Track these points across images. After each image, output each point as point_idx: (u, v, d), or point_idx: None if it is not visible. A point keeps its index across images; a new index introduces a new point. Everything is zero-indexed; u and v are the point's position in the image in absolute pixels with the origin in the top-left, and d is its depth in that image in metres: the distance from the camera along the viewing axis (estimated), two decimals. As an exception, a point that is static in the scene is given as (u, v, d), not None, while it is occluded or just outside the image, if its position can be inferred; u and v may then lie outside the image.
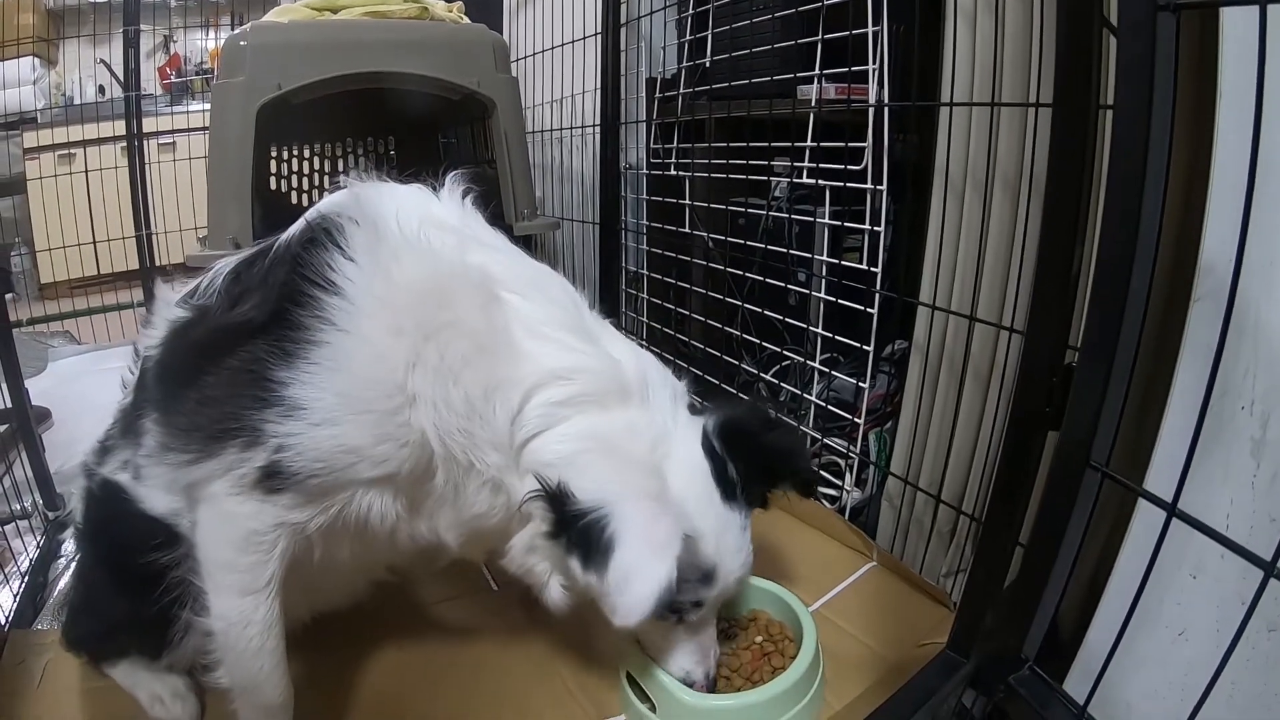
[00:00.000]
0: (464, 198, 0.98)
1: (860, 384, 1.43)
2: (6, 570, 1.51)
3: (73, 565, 1.51)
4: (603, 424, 0.88)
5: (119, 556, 0.99)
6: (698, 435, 0.95)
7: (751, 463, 0.97)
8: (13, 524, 1.71)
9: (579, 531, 0.81)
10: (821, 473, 1.56)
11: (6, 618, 1.34)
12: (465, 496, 0.90)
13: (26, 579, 1.51)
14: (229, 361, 0.83)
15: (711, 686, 1.00)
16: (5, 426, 1.80)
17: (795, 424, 1.68)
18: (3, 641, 1.20)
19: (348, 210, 0.87)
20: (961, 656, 0.98)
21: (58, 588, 1.52)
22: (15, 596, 1.42)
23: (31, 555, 1.61)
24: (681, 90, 1.84)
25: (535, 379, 0.86)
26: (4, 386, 1.74)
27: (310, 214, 0.92)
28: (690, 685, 0.99)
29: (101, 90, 4.13)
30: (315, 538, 0.87)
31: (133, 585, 0.95)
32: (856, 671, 1.11)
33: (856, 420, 1.46)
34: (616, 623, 0.79)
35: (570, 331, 0.91)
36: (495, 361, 0.85)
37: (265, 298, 0.84)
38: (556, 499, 0.82)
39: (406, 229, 0.87)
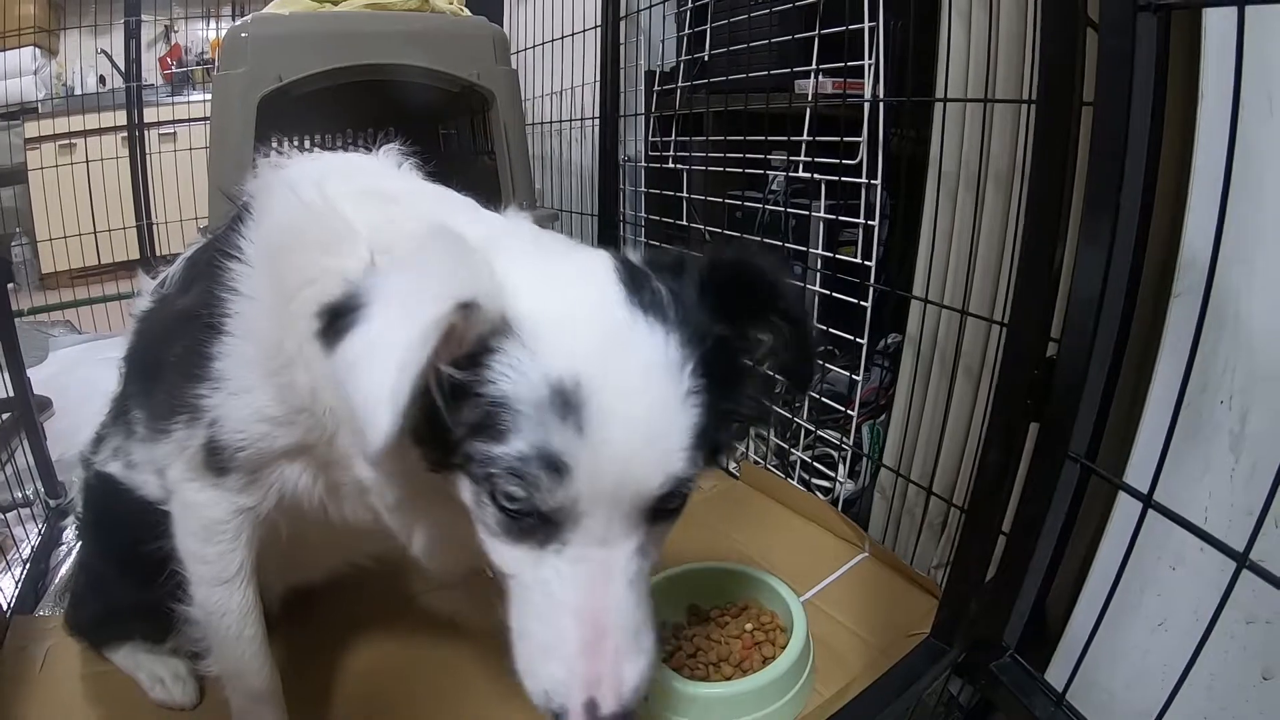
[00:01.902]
0: (398, 165, 0.87)
1: (854, 377, 1.44)
2: (9, 557, 1.53)
3: (74, 552, 1.53)
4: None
5: (121, 546, 1.00)
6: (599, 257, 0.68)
7: (714, 290, 0.66)
8: (14, 511, 1.72)
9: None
10: (814, 464, 1.58)
11: (9, 603, 1.35)
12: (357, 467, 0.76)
13: (28, 565, 1.52)
14: (177, 346, 0.83)
15: None
16: (7, 415, 1.81)
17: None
18: (5, 627, 1.21)
19: (262, 182, 0.84)
20: (945, 644, 0.99)
21: (59, 574, 1.54)
22: (17, 583, 1.44)
23: (33, 542, 1.63)
24: (680, 83, 1.85)
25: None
26: (6, 375, 1.75)
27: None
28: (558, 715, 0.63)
29: (102, 80, 4.14)
30: (278, 519, 0.86)
31: (137, 573, 0.96)
32: (846, 660, 1.13)
33: (850, 413, 1.47)
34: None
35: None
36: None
37: (199, 278, 0.85)
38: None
39: (293, 181, 0.79)
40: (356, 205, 0.74)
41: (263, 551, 0.88)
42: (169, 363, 0.84)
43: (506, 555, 0.64)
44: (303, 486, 0.82)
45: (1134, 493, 0.79)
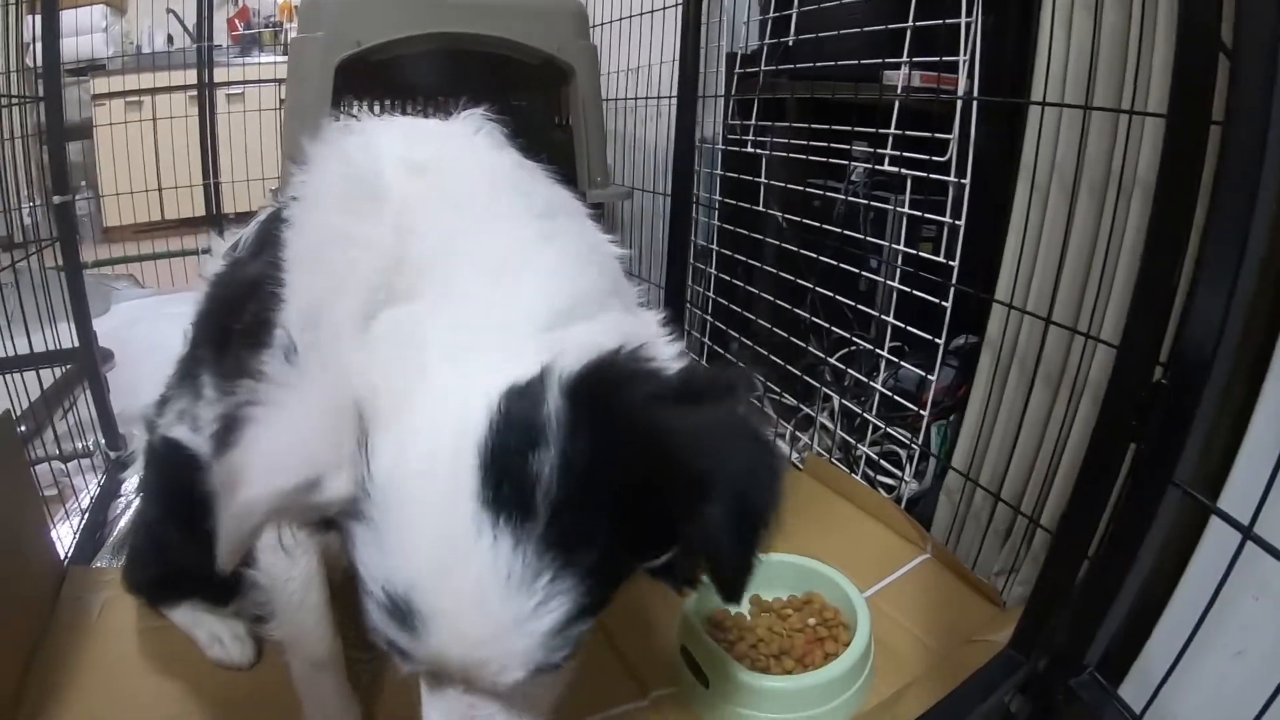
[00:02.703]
0: (478, 128, 0.80)
1: (928, 376, 1.42)
2: (67, 506, 1.56)
3: (132, 505, 1.54)
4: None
5: (186, 512, 0.98)
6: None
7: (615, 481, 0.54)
8: (74, 462, 1.76)
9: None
10: (881, 461, 1.56)
11: (67, 553, 1.37)
12: None
13: (87, 516, 1.55)
14: (246, 312, 0.81)
15: None
16: (71, 366, 1.84)
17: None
18: (62, 576, 1.23)
19: (327, 144, 0.79)
20: (1023, 656, 0.98)
21: (117, 527, 1.56)
22: (75, 533, 1.47)
23: (92, 493, 1.66)
24: (763, 67, 1.82)
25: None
26: (72, 326, 1.79)
27: None
28: None
29: (170, 40, 4.19)
30: None
31: (202, 539, 0.96)
32: (904, 661, 1.12)
33: (921, 411, 1.45)
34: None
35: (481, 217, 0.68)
36: (358, 284, 0.67)
37: (268, 244, 0.83)
38: None
39: (350, 142, 0.75)
40: (401, 175, 0.70)
41: None
42: (238, 330, 0.83)
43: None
44: None
45: (1235, 524, 0.76)
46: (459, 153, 0.76)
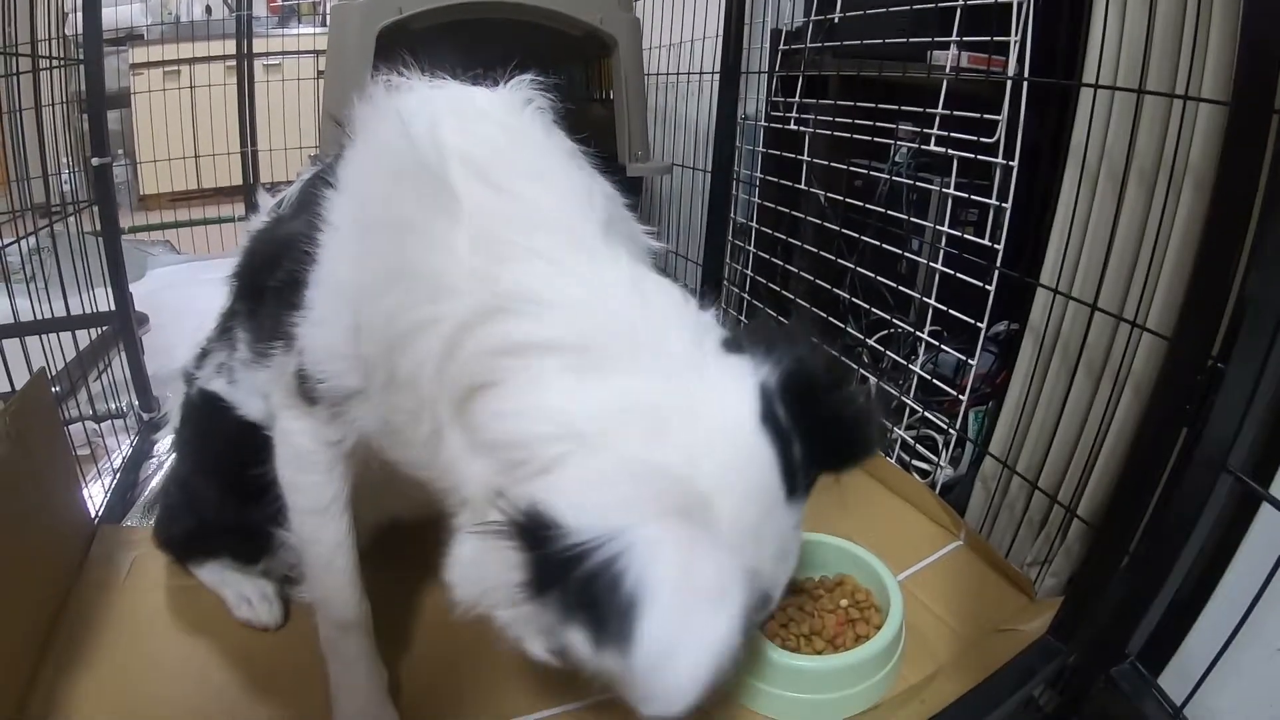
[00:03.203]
0: (525, 103, 0.79)
1: (968, 361, 1.40)
2: (99, 466, 1.58)
3: (164, 466, 1.56)
4: (592, 395, 0.60)
5: (222, 466, 1.01)
6: (746, 398, 0.64)
7: (815, 433, 0.67)
8: (108, 422, 1.78)
9: (579, 586, 0.52)
10: (917, 445, 1.55)
11: (97, 512, 1.39)
12: (412, 435, 0.73)
13: (118, 476, 1.57)
14: (280, 271, 0.82)
15: None
16: (107, 328, 1.87)
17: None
18: (93, 535, 1.24)
19: (375, 107, 0.78)
20: (1061, 643, 0.96)
21: (149, 487, 1.58)
22: (106, 492, 1.49)
23: (125, 453, 1.68)
24: (808, 44, 1.79)
25: (470, 312, 0.63)
26: (109, 289, 1.81)
27: None
28: None
29: (209, 10, 4.20)
30: (368, 456, 0.83)
31: (237, 494, 0.97)
32: (933, 648, 1.11)
33: (960, 397, 1.43)
34: (649, 714, 0.52)
35: (558, 240, 0.67)
36: (415, 285, 0.66)
37: (306, 204, 0.83)
38: (533, 533, 0.54)
39: (403, 110, 0.73)
40: (465, 170, 0.69)
41: (356, 484, 0.88)
42: (271, 286, 0.83)
43: None
44: (371, 430, 0.80)
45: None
46: (518, 147, 0.75)
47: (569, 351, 0.62)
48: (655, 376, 0.62)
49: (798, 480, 0.66)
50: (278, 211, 0.96)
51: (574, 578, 0.52)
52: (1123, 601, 0.89)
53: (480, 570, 0.61)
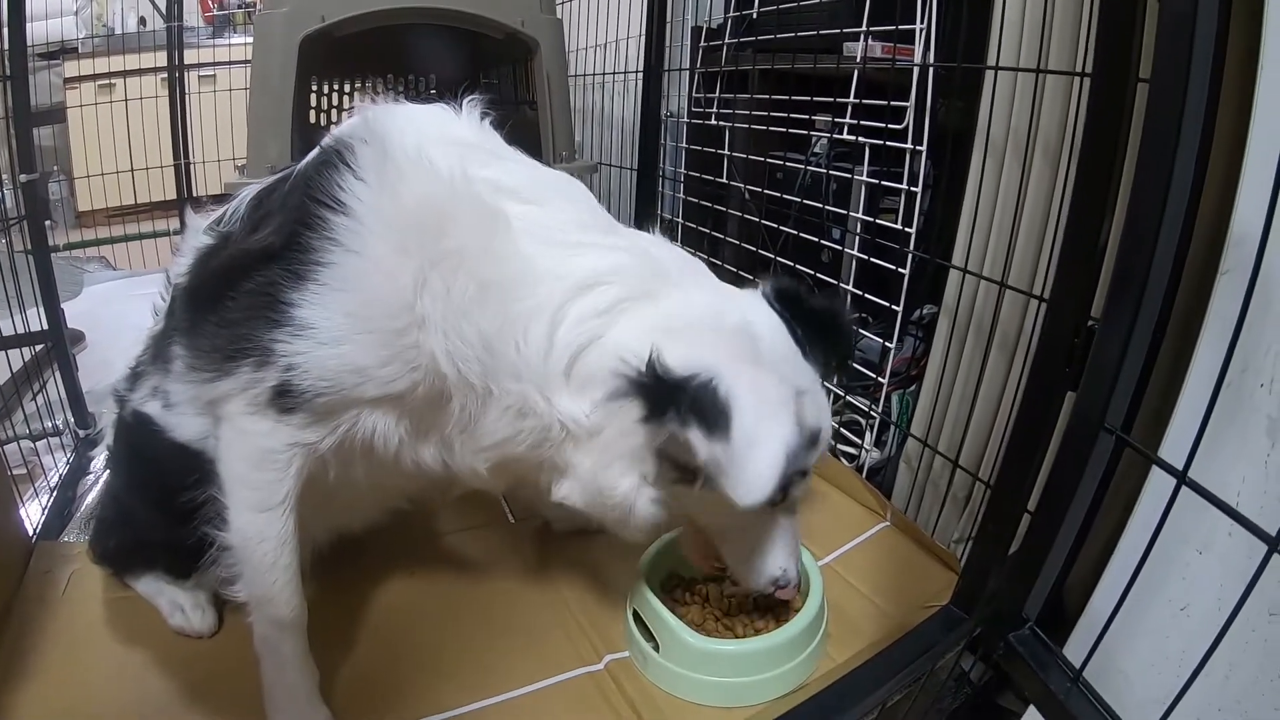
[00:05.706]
0: (481, 119, 0.95)
1: (888, 344, 1.43)
2: (36, 485, 1.55)
3: (100, 481, 1.54)
4: (663, 310, 0.84)
5: (152, 486, 1.00)
6: (759, 301, 0.92)
7: (806, 326, 0.92)
8: (44, 441, 1.75)
9: (691, 399, 0.74)
10: (842, 430, 1.57)
11: (35, 529, 1.37)
12: (485, 423, 0.87)
13: (55, 493, 1.55)
14: (246, 285, 0.83)
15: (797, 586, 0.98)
16: (41, 347, 1.84)
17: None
18: (30, 551, 1.23)
19: (359, 131, 0.85)
20: (964, 613, 0.98)
21: (85, 502, 1.56)
22: (44, 510, 1.47)
23: (61, 471, 1.65)
24: (727, 40, 1.82)
25: (563, 296, 0.82)
26: (41, 309, 1.78)
27: (326, 138, 0.90)
28: (784, 586, 0.95)
29: (143, 21, 4.14)
30: (329, 458, 0.87)
31: (166, 513, 0.97)
32: (861, 628, 1.12)
33: (881, 380, 1.46)
34: (744, 502, 0.73)
35: (597, 230, 0.88)
36: (505, 295, 0.82)
37: (280, 222, 0.84)
38: (652, 374, 0.77)
39: (412, 146, 0.83)
40: (500, 194, 0.85)
41: (305, 494, 0.88)
42: (233, 302, 0.83)
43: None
44: (381, 430, 0.85)
45: (1169, 469, 0.77)
46: (519, 165, 0.92)
47: (642, 298, 0.84)
48: (700, 291, 0.89)
49: (804, 348, 0.90)
50: (220, 229, 0.94)
51: (686, 396, 0.74)
52: (1017, 565, 0.91)
53: (602, 453, 0.84)
